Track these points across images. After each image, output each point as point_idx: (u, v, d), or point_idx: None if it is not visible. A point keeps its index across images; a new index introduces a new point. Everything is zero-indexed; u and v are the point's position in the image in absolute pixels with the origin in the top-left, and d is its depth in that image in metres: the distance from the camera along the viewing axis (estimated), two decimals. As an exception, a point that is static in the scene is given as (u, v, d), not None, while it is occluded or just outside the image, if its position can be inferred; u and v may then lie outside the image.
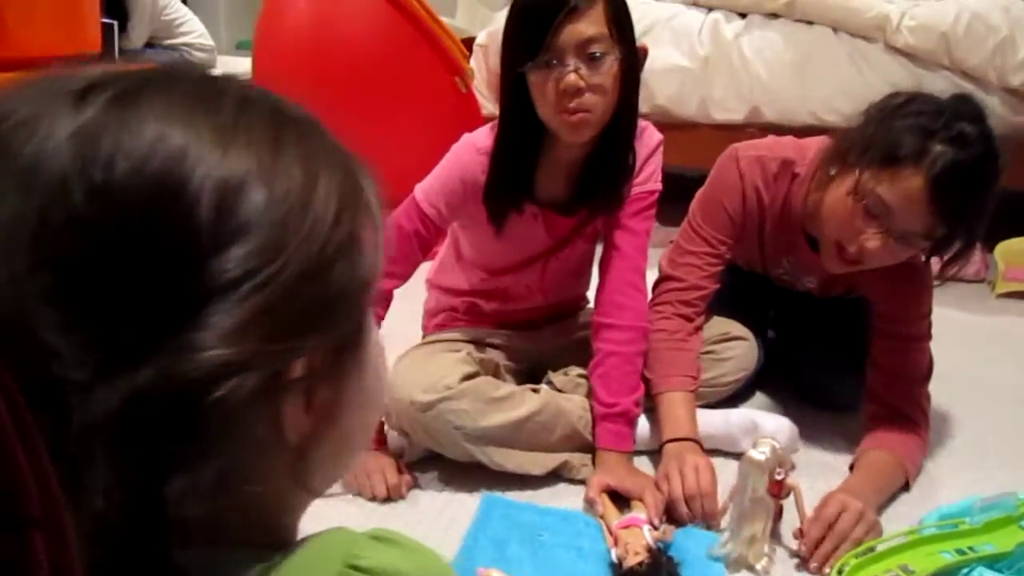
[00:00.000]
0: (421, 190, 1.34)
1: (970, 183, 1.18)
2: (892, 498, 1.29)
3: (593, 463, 1.33)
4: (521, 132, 1.28)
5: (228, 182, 0.36)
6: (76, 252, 0.34)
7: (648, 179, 1.38)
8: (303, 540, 0.41)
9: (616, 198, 1.36)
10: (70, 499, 0.31)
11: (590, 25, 1.19)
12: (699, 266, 1.47)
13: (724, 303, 1.56)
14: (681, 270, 1.48)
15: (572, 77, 1.19)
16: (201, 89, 0.40)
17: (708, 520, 1.22)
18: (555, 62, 1.20)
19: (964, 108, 1.21)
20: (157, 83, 0.39)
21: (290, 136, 0.40)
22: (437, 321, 1.54)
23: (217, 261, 0.35)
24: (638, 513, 1.20)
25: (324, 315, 0.39)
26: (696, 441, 1.32)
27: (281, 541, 0.41)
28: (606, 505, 1.23)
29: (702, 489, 1.22)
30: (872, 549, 1.12)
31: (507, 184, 1.31)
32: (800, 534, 1.16)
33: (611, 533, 1.17)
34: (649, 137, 1.39)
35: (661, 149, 1.40)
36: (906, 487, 1.32)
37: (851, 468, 1.33)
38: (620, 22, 1.23)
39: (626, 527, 1.16)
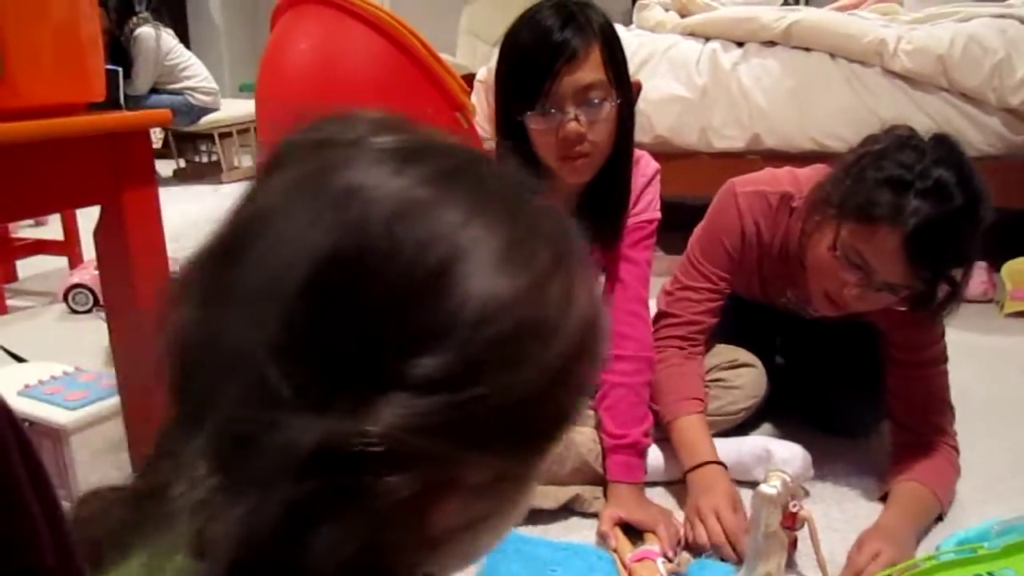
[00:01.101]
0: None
1: (948, 237, 1.15)
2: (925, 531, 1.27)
3: (605, 496, 1.32)
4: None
5: (491, 301, 0.36)
6: (335, 291, 0.35)
7: (646, 208, 1.39)
8: None
9: (614, 230, 1.36)
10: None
11: (589, 72, 1.19)
12: (697, 301, 1.47)
13: (730, 330, 1.55)
14: (678, 306, 1.48)
15: (573, 125, 1.20)
16: (509, 190, 0.40)
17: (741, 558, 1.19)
18: (554, 110, 1.20)
19: (943, 152, 1.17)
20: (472, 171, 0.40)
21: (568, 260, 0.40)
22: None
23: (451, 364, 0.35)
24: (651, 546, 1.18)
25: (519, 441, 0.39)
26: (717, 462, 1.30)
27: None
28: (619, 538, 1.22)
29: (728, 534, 1.19)
30: (890, 577, 1.10)
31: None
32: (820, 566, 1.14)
33: (625, 567, 1.16)
34: (646, 167, 1.39)
35: (658, 178, 1.41)
36: (940, 518, 1.30)
37: (882, 499, 1.32)
38: (616, 64, 1.23)
39: (640, 560, 1.14)
